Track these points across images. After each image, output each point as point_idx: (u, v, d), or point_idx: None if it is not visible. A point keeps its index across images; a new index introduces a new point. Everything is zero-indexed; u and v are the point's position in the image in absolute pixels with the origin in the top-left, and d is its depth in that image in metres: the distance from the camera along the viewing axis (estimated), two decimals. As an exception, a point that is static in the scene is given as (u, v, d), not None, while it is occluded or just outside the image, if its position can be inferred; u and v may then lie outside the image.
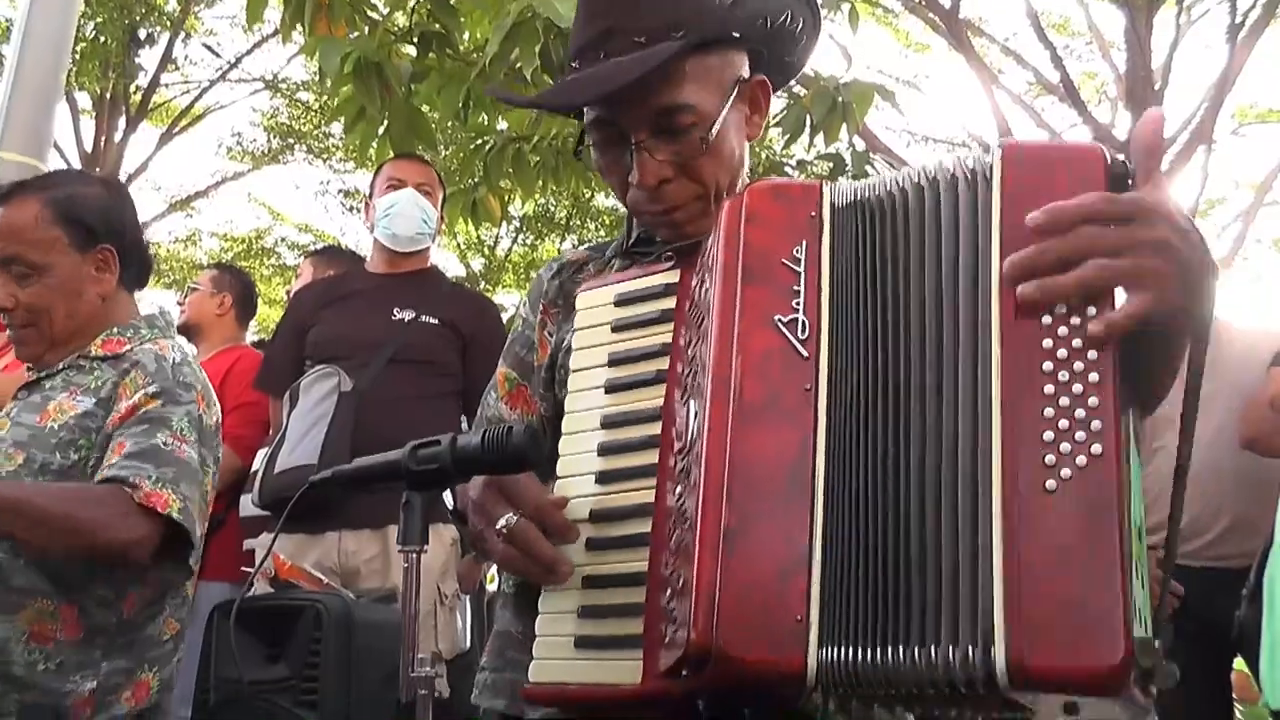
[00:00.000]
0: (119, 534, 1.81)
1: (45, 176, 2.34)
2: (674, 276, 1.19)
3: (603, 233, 14.64)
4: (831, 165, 4.29)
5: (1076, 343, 0.91)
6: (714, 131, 1.29)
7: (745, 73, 1.36)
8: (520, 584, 1.36)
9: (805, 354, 1.01)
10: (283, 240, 17.55)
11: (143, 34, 14.32)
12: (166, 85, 15.60)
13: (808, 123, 3.79)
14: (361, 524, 2.91)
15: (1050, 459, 0.88)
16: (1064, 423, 0.89)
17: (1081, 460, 0.88)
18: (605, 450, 1.15)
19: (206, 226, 17.99)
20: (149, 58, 14.78)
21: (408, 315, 3.14)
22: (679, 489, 1.05)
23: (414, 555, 1.18)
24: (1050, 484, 0.87)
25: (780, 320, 1.02)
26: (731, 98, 1.32)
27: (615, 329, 1.21)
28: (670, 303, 1.18)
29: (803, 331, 1.02)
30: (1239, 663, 3.40)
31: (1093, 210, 0.94)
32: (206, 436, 2.00)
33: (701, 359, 1.07)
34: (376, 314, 3.16)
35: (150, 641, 1.95)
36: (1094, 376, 0.90)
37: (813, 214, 1.07)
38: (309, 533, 2.92)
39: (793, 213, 1.08)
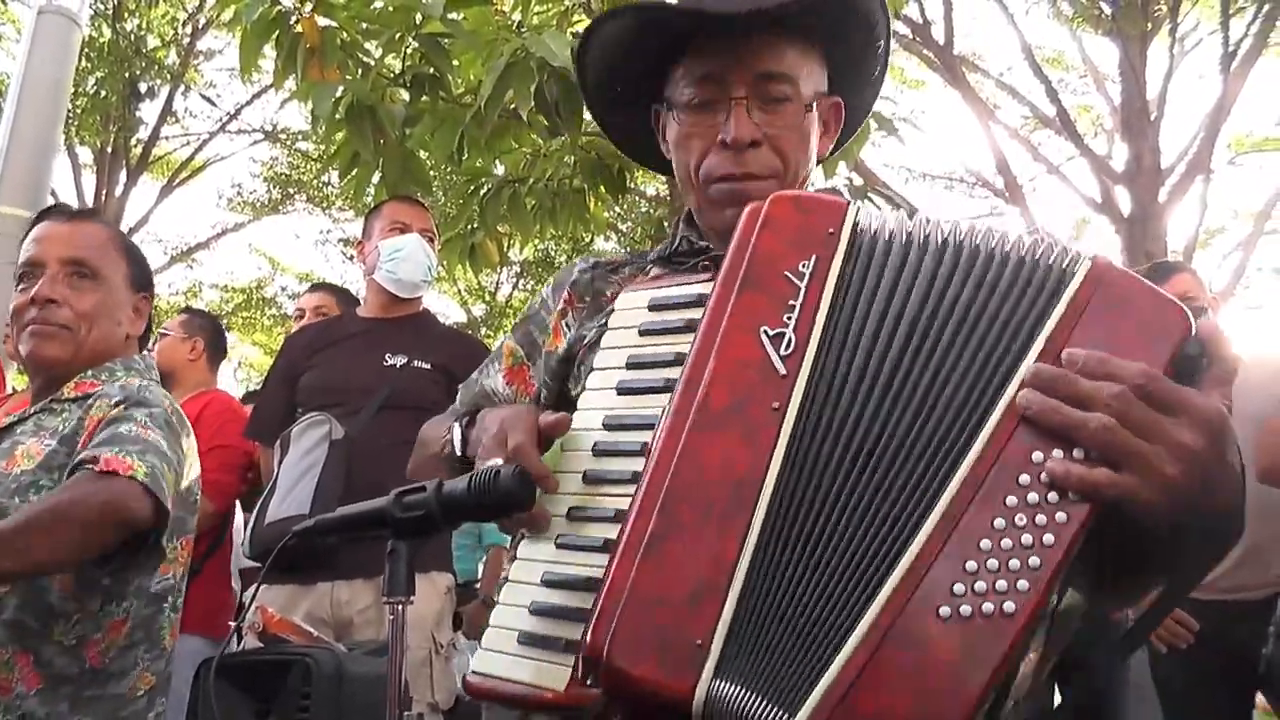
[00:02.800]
0: (93, 498, 1.69)
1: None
2: (707, 288, 1.14)
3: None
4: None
5: (1052, 496, 0.84)
6: (809, 113, 1.34)
7: (824, 88, 1.39)
8: None
9: (783, 371, 0.96)
10: (283, 290, 17.67)
11: (143, 87, 14.48)
12: (167, 138, 15.78)
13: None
14: (354, 574, 2.85)
15: (960, 588, 0.84)
16: (993, 562, 0.84)
17: (988, 608, 0.82)
18: (599, 451, 1.11)
19: (207, 278, 18.15)
20: (149, 111, 14.97)
21: (400, 360, 3.11)
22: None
23: (399, 607, 1.14)
24: (944, 611, 0.83)
25: (766, 332, 0.99)
26: (815, 103, 1.36)
27: (642, 333, 1.17)
28: (697, 314, 1.12)
29: (787, 348, 0.97)
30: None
31: (1134, 377, 0.86)
32: (173, 434, 1.91)
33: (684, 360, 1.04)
34: (368, 359, 3.12)
35: (120, 699, 1.86)
36: (1048, 538, 0.83)
37: (831, 230, 1.03)
38: (300, 583, 2.86)
39: (810, 224, 1.04)
